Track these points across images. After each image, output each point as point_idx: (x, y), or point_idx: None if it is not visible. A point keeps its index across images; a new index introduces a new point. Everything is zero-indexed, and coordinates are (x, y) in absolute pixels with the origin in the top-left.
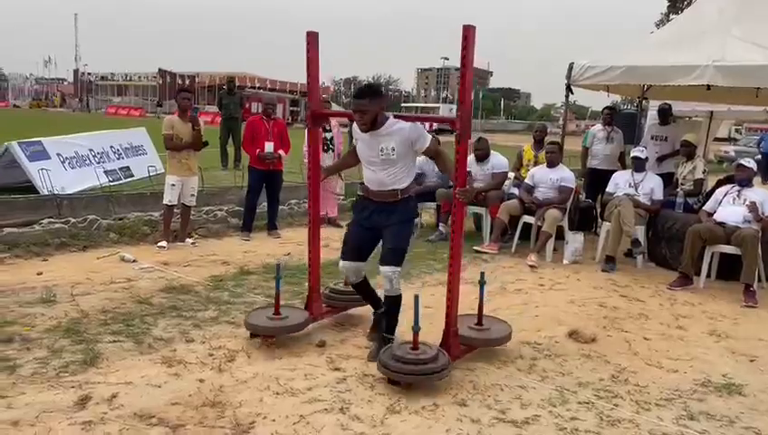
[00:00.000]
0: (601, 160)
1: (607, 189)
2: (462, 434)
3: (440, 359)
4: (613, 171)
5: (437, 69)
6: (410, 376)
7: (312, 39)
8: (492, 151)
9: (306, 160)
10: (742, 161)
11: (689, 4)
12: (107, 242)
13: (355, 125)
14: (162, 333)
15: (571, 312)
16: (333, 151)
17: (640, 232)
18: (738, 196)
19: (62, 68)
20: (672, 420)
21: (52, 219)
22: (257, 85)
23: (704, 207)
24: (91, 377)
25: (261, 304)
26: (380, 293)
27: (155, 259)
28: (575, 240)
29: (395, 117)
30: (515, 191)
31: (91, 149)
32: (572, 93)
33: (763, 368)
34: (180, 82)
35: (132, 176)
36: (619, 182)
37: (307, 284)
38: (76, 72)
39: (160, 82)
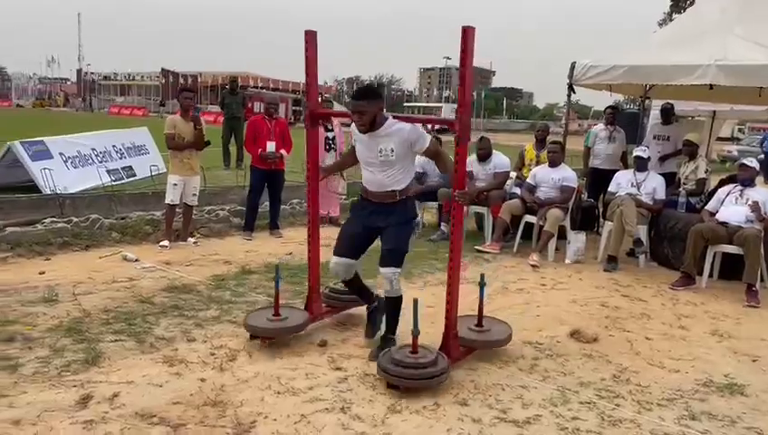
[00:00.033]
0: (604, 160)
1: (609, 189)
2: (463, 434)
3: (440, 362)
4: (615, 171)
5: (440, 68)
6: (410, 380)
7: (311, 38)
8: (494, 151)
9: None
10: (744, 161)
11: (692, 4)
12: (109, 241)
13: (353, 126)
14: (164, 333)
15: (572, 311)
16: (335, 151)
17: (642, 232)
18: (741, 195)
19: (66, 68)
20: (674, 420)
21: (54, 219)
22: (260, 85)
23: (706, 207)
24: (93, 376)
25: (262, 304)
26: (381, 293)
27: (157, 259)
28: (577, 240)
29: (394, 117)
30: (517, 191)
31: (93, 149)
32: (574, 93)
33: (766, 368)
34: (183, 81)
35: (135, 175)
36: (622, 182)
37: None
38: (79, 71)
39: (163, 81)
